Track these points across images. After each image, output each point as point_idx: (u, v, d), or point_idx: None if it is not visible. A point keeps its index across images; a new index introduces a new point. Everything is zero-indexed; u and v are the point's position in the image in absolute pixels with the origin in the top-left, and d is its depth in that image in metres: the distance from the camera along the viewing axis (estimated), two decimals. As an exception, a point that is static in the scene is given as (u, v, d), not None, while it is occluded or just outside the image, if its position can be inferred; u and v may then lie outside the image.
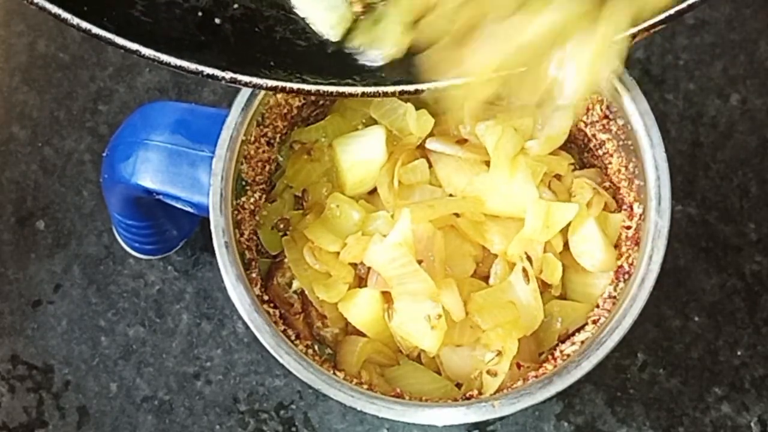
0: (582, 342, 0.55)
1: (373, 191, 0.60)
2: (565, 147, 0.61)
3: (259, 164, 0.58)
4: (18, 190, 0.73)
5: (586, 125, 0.60)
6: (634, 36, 0.51)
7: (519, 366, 0.56)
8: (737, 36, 0.75)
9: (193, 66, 0.49)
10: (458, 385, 0.57)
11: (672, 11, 0.49)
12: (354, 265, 0.57)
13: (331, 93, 0.51)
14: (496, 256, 0.58)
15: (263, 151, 0.58)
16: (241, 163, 0.57)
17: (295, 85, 0.51)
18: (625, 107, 0.57)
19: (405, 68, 0.52)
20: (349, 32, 0.53)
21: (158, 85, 0.75)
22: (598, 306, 0.57)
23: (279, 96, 0.58)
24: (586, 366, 0.52)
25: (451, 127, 0.60)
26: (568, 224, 0.57)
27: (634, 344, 0.68)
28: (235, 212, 0.56)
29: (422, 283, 0.54)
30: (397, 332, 0.56)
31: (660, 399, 0.68)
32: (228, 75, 0.50)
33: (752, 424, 0.67)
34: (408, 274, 0.54)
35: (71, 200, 0.72)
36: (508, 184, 0.57)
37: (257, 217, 0.59)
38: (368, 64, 0.52)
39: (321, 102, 0.61)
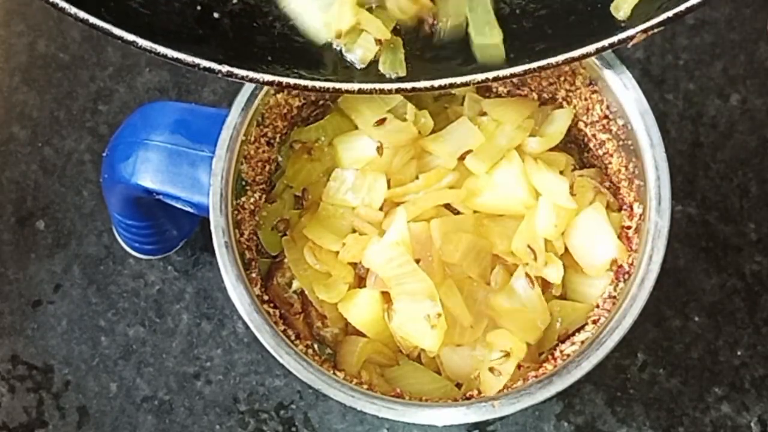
0: (582, 342, 0.55)
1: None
2: (565, 147, 0.61)
3: (259, 164, 0.58)
4: (18, 190, 0.73)
5: (586, 125, 0.60)
6: (630, 38, 0.51)
7: (519, 366, 0.56)
8: (737, 36, 0.75)
9: (190, 58, 0.49)
10: (458, 385, 0.57)
11: (670, 13, 0.50)
12: (354, 265, 0.57)
13: (328, 89, 0.51)
14: (497, 257, 0.58)
15: (263, 151, 0.58)
16: (241, 163, 0.57)
17: (292, 80, 0.51)
18: (625, 107, 0.57)
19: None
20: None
21: (158, 85, 0.75)
22: (598, 306, 0.57)
23: (279, 96, 0.58)
24: (586, 366, 0.52)
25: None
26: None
27: (634, 344, 0.68)
28: (235, 212, 0.56)
29: (420, 282, 0.54)
30: (397, 332, 0.56)
31: (660, 399, 0.68)
32: (225, 68, 0.50)
33: (752, 424, 0.68)
34: (406, 273, 0.54)
35: (71, 200, 0.72)
36: (504, 178, 0.57)
37: (257, 218, 0.59)
38: (356, 63, 0.53)
39: (321, 102, 0.61)
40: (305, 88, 0.51)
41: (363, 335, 0.57)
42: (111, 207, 0.66)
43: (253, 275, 0.56)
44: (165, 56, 0.48)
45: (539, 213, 0.57)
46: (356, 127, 0.59)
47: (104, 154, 0.60)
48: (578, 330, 0.57)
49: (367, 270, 0.56)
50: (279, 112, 0.59)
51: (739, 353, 0.69)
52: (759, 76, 0.74)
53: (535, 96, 0.61)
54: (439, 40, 0.54)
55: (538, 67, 0.51)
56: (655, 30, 0.50)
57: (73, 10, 0.47)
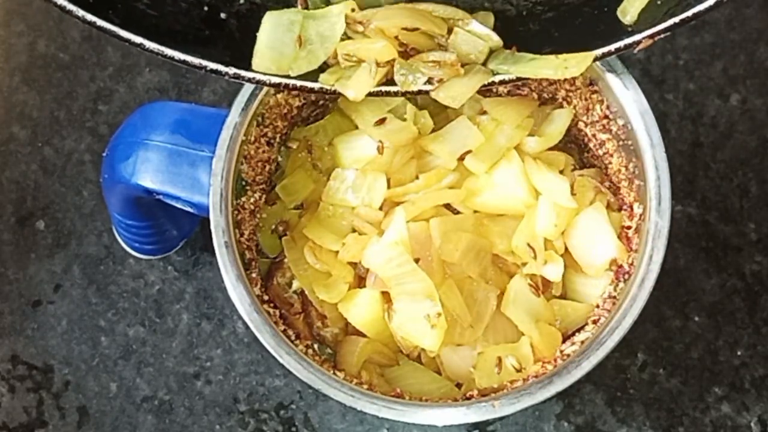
0: (582, 342, 0.55)
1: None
2: (565, 147, 0.61)
3: (259, 164, 0.58)
4: (18, 190, 0.73)
5: (586, 125, 0.60)
6: (637, 44, 0.51)
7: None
8: (737, 36, 0.75)
9: (196, 61, 0.49)
10: (458, 385, 0.57)
11: (677, 19, 0.50)
12: (354, 265, 0.57)
13: (333, 91, 0.51)
14: (497, 256, 0.58)
15: (263, 151, 0.58)
16: (241, 163, 0.57)
17: (299, 82, 0.51)
18: (625, 107, 0.57)
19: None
20: None
21: (158, 85, 0.75)
22: (598, 306, 0.57)
23: (279, 96, 0.58)
24: (586, 366, 0.52)
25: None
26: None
27: (634, 344, 0.68)
28: (235, 212, 0.56)
29: (420, 282, 0.54)
30: (397, 332, 0.56)
31: (660, 399, 0.68)
32: (232, 71, 0.50)
33: (752, 424, 0.68)
34: (406, 273, 0.54)
35: (71, 200, 0.72)
36: (503, 178, 0.57)
37: (257, 218, 0.59)
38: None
39: (321, 102, 0.61)
40: (311, 90, 0.51)
41: (363, 335, 0.57)
42: (111, 207, 0.66)
43: (253, 275, 0.56)
44: (172, 59, 0.48)
45: (539, 212, 0.57)
46: (356, 127, 0.59)
47: (104, 154, 0.60)
48: (578, 330, 0.57)
49: (367, 270, 0.56)
50: (279, 112, 0.59)
51: (739, 353, 0.69)
52: (759, 76, 0.74)
53: (535, 96, 0.61)
54: None
55: None
56: (662, 35, 0.50)
57: (81, 13, 0.47)
